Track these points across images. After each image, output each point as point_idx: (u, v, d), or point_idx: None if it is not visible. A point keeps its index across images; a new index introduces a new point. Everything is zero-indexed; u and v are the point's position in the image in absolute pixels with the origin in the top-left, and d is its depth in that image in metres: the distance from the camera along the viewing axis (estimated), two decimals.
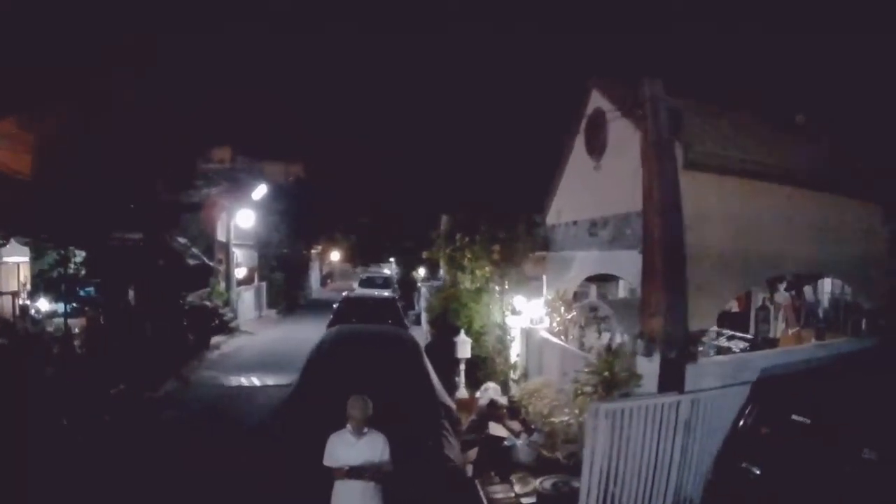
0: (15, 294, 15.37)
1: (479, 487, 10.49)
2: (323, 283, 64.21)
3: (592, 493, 7.93)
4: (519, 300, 15.57)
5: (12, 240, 14.98)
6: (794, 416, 6.95)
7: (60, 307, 15.71)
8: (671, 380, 8.50)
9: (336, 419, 7.49)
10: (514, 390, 14.73)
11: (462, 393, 15.10)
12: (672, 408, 8.20)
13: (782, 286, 13.80)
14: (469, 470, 10.88)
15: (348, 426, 7.37)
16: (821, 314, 13.43)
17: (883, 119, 9.26)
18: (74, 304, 16.80)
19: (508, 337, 15.81)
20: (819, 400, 7.10)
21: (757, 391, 7.89)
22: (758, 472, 7.23)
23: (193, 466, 11.10)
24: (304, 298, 46.66)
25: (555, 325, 14.36)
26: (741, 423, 7.77)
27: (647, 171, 8.92)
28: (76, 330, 16.13)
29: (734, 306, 14.63)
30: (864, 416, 6.47)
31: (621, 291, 15.13)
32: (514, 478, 10.74)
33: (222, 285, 29.09)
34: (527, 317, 15.30)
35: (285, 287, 40.34)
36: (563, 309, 14.25)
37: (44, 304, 16.19)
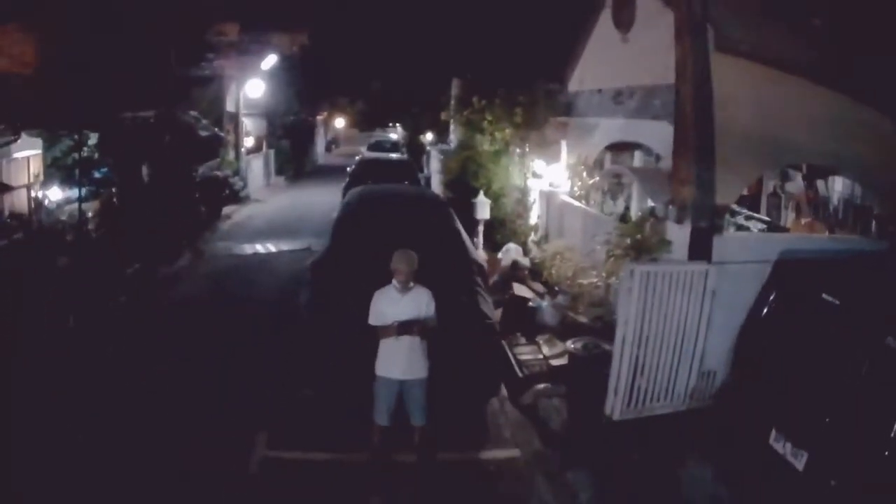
0: (28, 187, 15.14)
1: (506, 348, 10.65)
2: (328, 148, 63.67)
3: (626, 356, 8.07)
4: (539, 164, 15.47)
5: (23, 134, 14.63)
6: (825, 296, 6.92)
7: (75, 193, 15.54)
8: (700, 249, 8.54)
9: (372, 278, 7.30)
10: (535, 252, 14.82)
11: (481, 254, 14.86)
12: (701, 276, 8.26)
13: (797, 176, 13.66)
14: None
15: (394, 282, 7.11)
16: (831, 210, 13.40)
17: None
18: (89, 188, 16.58)
19: (530, 199, 15.79)
20: (845, 283, 7.05)
21: (780, 270, 7.89)
22: (781, 350, 7.32)
23: (212, 342, 11.16)
24: (310, 165, 46.56)
25: (576, 189, 14.33)
26: (765, 300, 7.79)
27: (681, 49, 8.99)
28: (90, 214, 15.98)
29: (745, 190, 14.54)
30: (889, 305, 6.46)
31: (636, 161, 15.07)
32: (540, 339, 10.89)
33: (232, 154, 28.82)
34: (547, 180, 15.23)
35: (292, 154, 40.12)
36: (584, 174, 14.20)
37: (57, 193, 15.91)
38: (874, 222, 11.24)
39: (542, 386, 9.41)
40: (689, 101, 8.86)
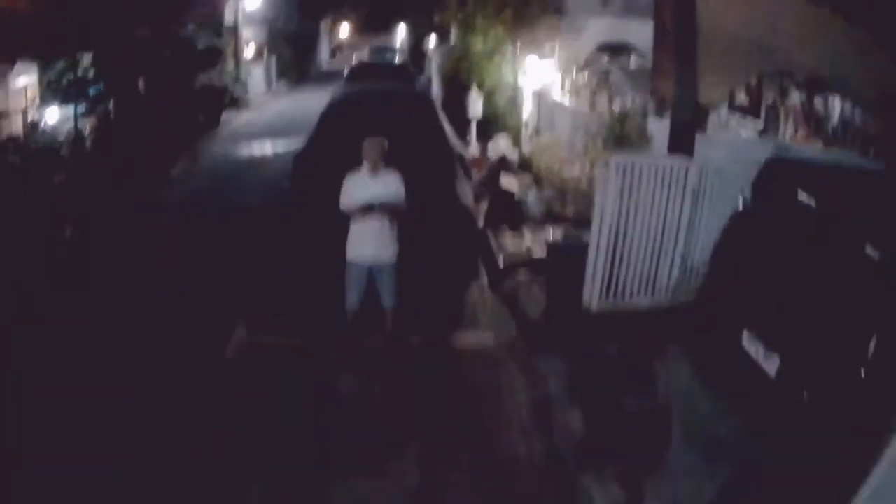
0: (25, 110, 15.04)
1: (490, 237, 10.80)
2: (332, 55, 63.05)
3: (602, 246, 8.08)
4: (531, 62, 15.33)
5: (18, 62, 14.50)
6: (801, 198, 6.73)
7: (72, 113, 15.49)
8: (681, 144, 8.49)
9: (351, 168, 7.40)
10: (526, 146, 14.82)
11: (473, 150, 15.06)
12: (681, 172, 8.11)
13: (795, 91, 13.39)
14: (480, 221, 11.16)
15: (364, 166, 7.22)
16: (829, 129, 13.16)
17: None
18: (86, 105, 16.52)
19: (521, 97, 15.75)
20: (826, 187, 6.83)
21: (767, 171, 7.65)
22: (755, 249, 7.19)
23: (204, 242, 11.28)
24: (313, 71, 46.33)
25: (566, 87, 14.24)
26: (748, 201, 7.62)
27: None
28: (87, 131, 15.99)
29: (744, 102, 14.28)
30: (872, 214, 6.17)
31: (632, 64, 14.85)
32: (524, 230, 10.96)
33: (232, 63, 28.82)
34: (539, 79, 15.10)
35: (294, 61, 40.07)
36: (575, 72, 14.09)
37: (53, 115, 15.81)
38: (872, 145, 11.05)
39: (522, 274, 9.49)
40: None
